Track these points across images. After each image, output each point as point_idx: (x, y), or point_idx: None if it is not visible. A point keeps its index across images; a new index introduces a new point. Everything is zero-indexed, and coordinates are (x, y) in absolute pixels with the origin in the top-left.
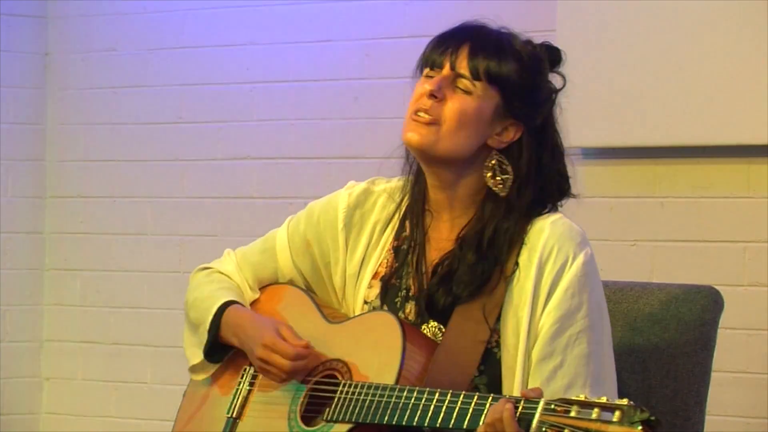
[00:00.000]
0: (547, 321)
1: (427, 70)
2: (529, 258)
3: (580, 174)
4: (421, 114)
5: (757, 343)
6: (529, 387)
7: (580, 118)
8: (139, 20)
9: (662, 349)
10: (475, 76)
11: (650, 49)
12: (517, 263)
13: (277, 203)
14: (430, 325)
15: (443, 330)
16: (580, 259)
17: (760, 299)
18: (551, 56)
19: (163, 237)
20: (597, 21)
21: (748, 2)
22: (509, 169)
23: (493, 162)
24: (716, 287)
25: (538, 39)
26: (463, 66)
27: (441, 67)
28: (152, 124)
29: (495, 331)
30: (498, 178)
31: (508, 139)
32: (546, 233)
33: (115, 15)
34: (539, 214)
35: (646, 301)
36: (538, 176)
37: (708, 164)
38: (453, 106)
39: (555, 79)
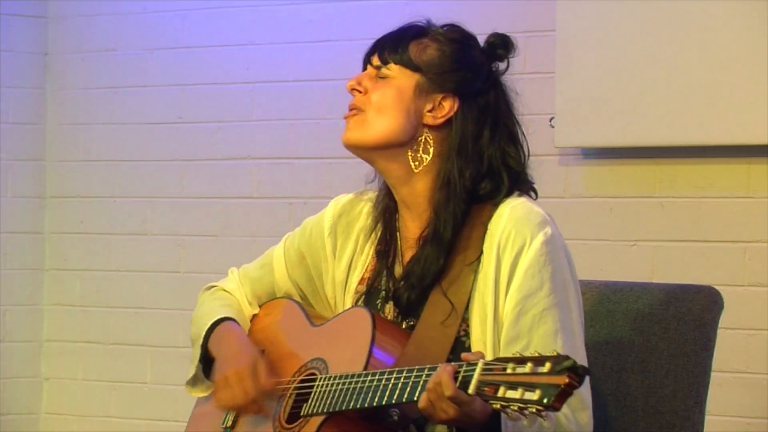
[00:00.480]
0: (509, 304)
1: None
2: (490, 244)
3: (580, 174)
4: (348, 112)
5: (757, 343)
6: None
7: (580, 118)
8: (139, 20)
9: (662, 349)
10: (384, 60)
11: (650, 49)
12: (481, 250)
13: (277, 203)
14: (408, 323)
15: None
16: (539, 239)
17: (760, 299)
18: (503, 43)
19: (163, 237)
20: (597, 21)
21: (748, 2)
22: (431, 150)
23: (421, 138)
24: (716, 287)
25: (538, 39)
26: (374, 59)
27: (364, 69)
28: (152, 124)
29: (464, 320)
30: (419, 154)
31: (444, 114)
32: (504, 218)
33: (115, 15)
34: (504, 199)
35: (646, 301)
36: (476, 154)
37: (708, 164)
38: (373, 94)
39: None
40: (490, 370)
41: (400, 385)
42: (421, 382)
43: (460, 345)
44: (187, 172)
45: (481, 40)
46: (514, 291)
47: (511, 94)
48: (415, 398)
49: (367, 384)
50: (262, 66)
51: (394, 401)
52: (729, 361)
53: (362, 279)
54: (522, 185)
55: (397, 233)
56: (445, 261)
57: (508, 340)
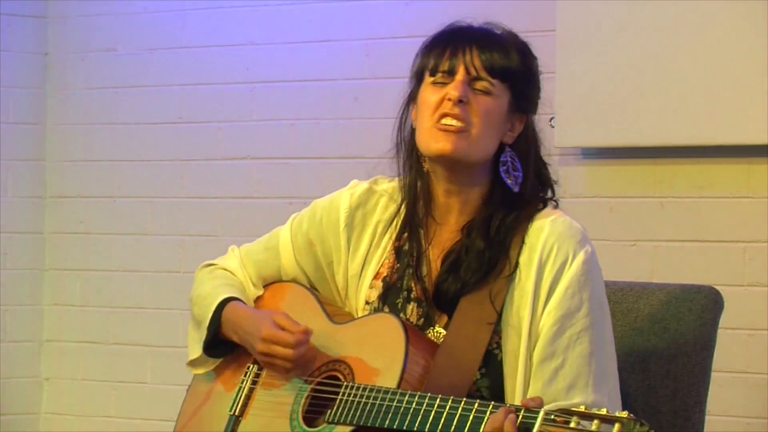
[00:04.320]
0: (547, 321)
1: (438, 76)
2: (529, 257)
3: (580, 174)
4: (450, 122)
5: (757, 343)
6: (531, 388)
7: (580, 118)
8: (139, 20)
9: (662, 349)
10: (492, 74)
11: (650, 49)
12: (517, 263)
13: (277, 203)
14: (435, 330)
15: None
16: (580, 257)
17: (760, 299)
18: None
19: (163, 237)
20: (597, 21)
21: (748, 2)
22: (519, 166)
23: (504, 159)
24: (716, 287)
25: (538, 39)
26: (478, 67)
27: (453, 72)
28: (152, 124)
29: (496, 332)
30: (511, 173)
31: (516, 133)
32: (546, 232)
33: (115, 15)
34: (538, 211)
35: (646, 301)
36: (536, 166)
37: (708, 164)
38: (478, 109)
39: None
40: (552, 421)
41: (444, 414)
42: (471, 417)
43: (492, 357)
44: (187, 172)
45: None
46: (553, 308)
47: None
48: None
49: (404, 405)
50: (262, 66)
51: (437, 431)
52: (729, 361)
53: (378, 274)
54: (551, 188)
55: (423, 232)
56: (497, 260)
57: (544, 357)
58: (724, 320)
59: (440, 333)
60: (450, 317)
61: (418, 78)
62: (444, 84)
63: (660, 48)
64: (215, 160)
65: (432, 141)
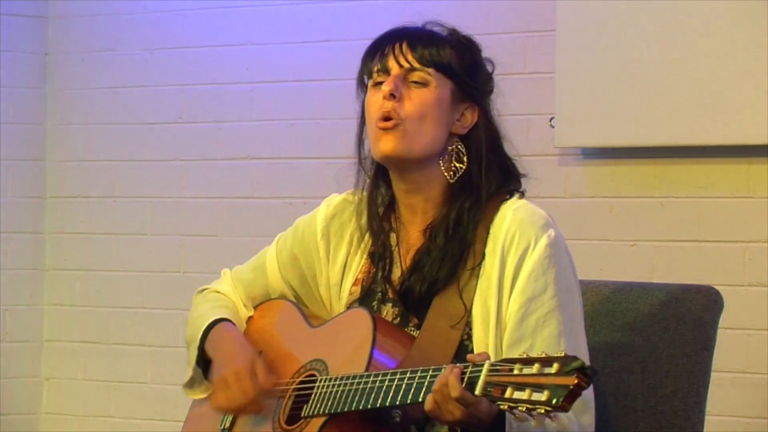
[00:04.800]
0: (513, 307)
1: (375, 77)
2: (493, 247)
3: (580, 174)
4: (386, 122)
5: (757, 343)
6: None
7: (580, 118)
8: (139, 20)
9: (662, 349)
10: (425, 64)
11: (650, 49)
12: (483, 254)
13: (277, 203)
14: (409, 329)
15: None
16: (543, 241)
17: (760, 299)
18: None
19: (163, 237)
20: (597, 21)
21: (748, 2)
22: (464, 158)
23: (451, 148)
24: (716, 287)
25: (538, 39)
26: (410, 59)
27: (387, 69)
28: (152, 124)
29: (467, 324)
30: (452, 164)
31: (468, 123)
32: (508, 220)
33: (115, 15)
34: (503, 201)
35: (646, 301)
36: (496, 157)
37: (708, 164)
38: (413, 102)
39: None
40: (497, 371)
41: (403, 386)
42: (426, 383)
43: (463, 348)
44: (187, 172)
45: (482, 40)
46: (518, 293)
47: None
48: (419, 399)
49: (369, 385)
50: (262, 66)
51: (397, 403)
52: (729, 361)
53: (356, 280)
54: (518, 180)
55: (394, 235)
56: (461, 253)
57: (512, 342)
58: (723, 320)
59: (413, 329)
60: (423, 316)
61: (361, 86)
62: (381, 84)
63: (660, 48)
64: (215, 160)
65: (375, 144)
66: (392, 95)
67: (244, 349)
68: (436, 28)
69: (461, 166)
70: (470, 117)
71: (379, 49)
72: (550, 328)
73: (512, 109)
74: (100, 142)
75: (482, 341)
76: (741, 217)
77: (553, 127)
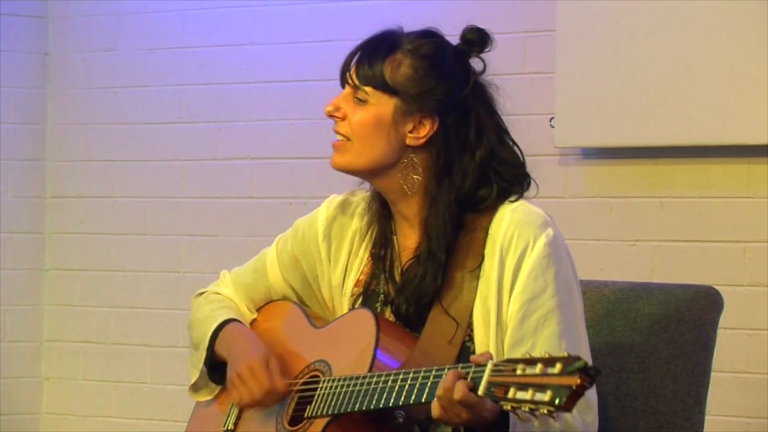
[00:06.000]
0: (513, 307)
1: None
2: (492, 248)
3: (580, 174)
4: (336, 137)
5: (757, 343)
6: None
7: (579, 118)
8: (139, 20)
9: (662, 349)
10: (363, 82)
11: (650, 49)
12: (482, 255)
13: (277, 203)
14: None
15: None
16: (541, 240)
17: (760, 299)
18: (479, 39)
19: (163, 237)
20: (597, 21)
21: (748, 2)
22: (420, 169)
23: (406, 161)
24: (716, 287)
25: (538, 39)
26: (353, 77)
27: (342, 85)
28: (152, 124)
29: (468, 326)
30: (409, 176)
31: (426, 134)
32: (506, 221)
33: (115, 15)
34: (502, 203)
35: (646, 301)
36: (464, 166)
37: (708, 164)
38: (353, 120)
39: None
40: (500, 371)
41: (406, 387)
42: (429, 384)
43: (465, 349)
44: (187, 172)
45: None
46: (518, 294)
47: (490, 90)
48: (423, 400)
49: (372, 386)
50: (262, 66)
51: (400, 403)
52: (729, 361)
53: (358, 281)
54: (521, 180)
55: (393, 236)
56: (443, 278)
57: (513, 343)
58: (723, 320)
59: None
60: (424, 319)
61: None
62: None
63: (660, 48)
64: (215, 160)
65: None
66: (332, 116)
67: (258, 345)
68: (391, 34)
69: (418, 177)
70: (429, 127)
71: (344, 62)
72: (551, 328)
73: (512, 109)
74: (100, 142)
75: (483, 342)
76: (741, 217)
77: (553, 127)
